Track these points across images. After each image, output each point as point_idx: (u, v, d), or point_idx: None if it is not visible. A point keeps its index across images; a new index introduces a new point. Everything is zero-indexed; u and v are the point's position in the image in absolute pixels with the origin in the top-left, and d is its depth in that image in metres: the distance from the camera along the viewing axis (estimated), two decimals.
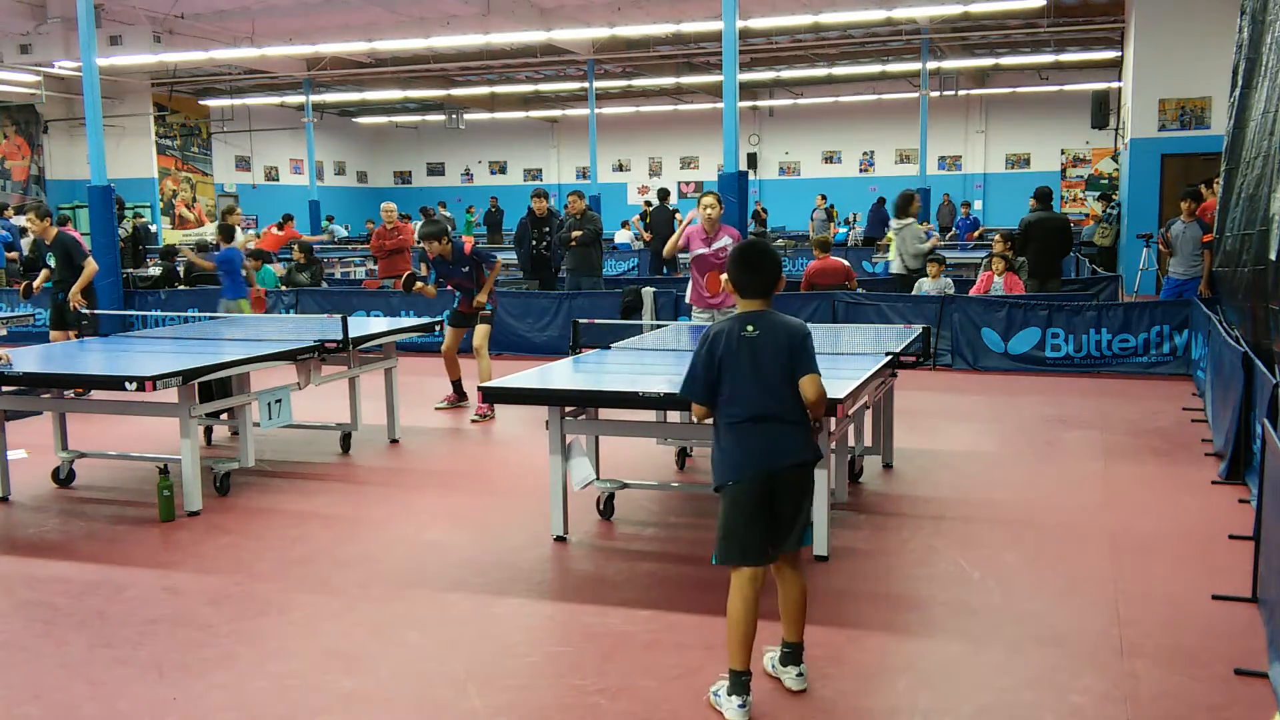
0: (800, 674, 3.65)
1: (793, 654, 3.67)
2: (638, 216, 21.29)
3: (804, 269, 12.38)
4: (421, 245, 8.86)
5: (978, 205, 25.64)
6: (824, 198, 25.02)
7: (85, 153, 13.61)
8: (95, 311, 9.80)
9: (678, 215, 17.12)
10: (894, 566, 4.95)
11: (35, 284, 10.12)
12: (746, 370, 3.54)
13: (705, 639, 4.06)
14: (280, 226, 19.80)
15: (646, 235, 18.51)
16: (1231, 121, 8.93)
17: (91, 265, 9.65)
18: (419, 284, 8.78)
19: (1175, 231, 10.94)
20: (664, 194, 17.07)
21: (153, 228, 24.04)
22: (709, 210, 7.55)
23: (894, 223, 12.07)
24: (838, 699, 3.59)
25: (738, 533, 3.50)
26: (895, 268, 11.98)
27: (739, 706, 3.42)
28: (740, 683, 3.45)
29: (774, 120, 31.01)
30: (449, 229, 9.07)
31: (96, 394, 6.23)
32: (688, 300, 7.96)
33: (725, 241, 7.55)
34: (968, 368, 10.61)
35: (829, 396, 3.83)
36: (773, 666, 3.74)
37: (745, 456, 3.53)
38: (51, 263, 9.76)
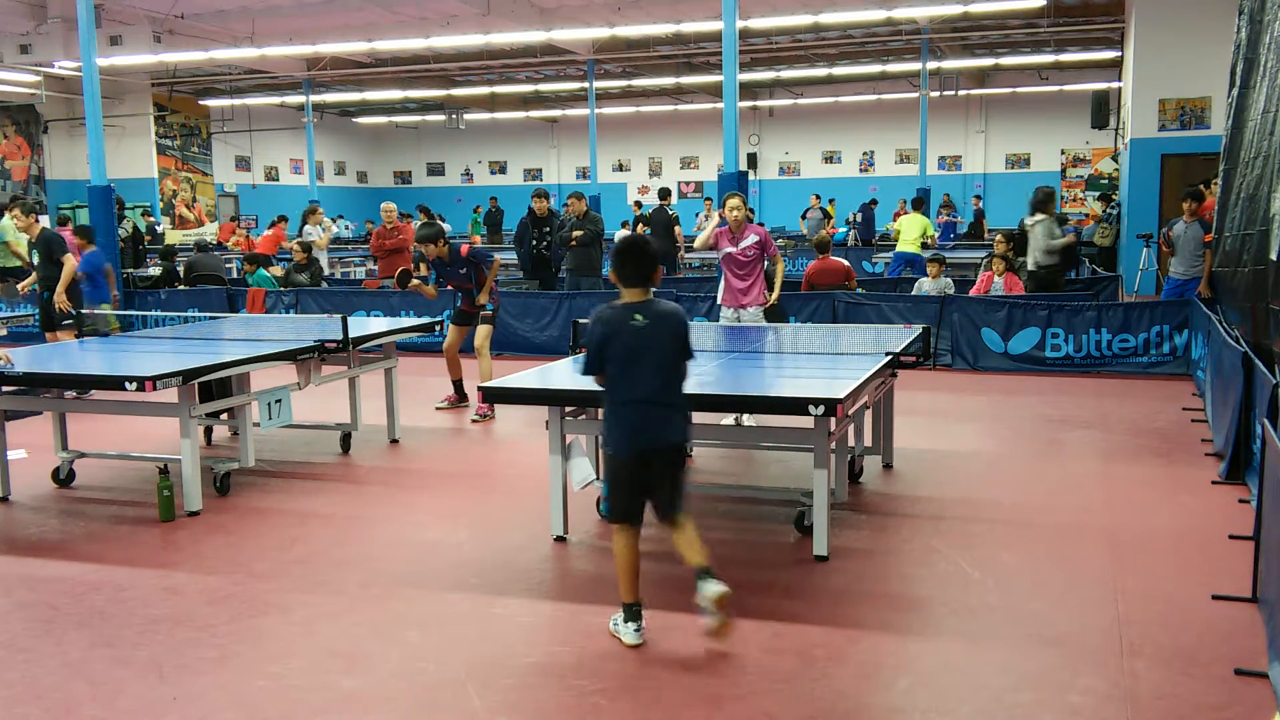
0: (714, 581, 3.92)
1: (705, 571, 3.97)
2: (640, 225, 21.19)
3: (804, 269, 12.38)
4: (418, 247, 8.85)
5: (977, 204, 25.54)
6: (819, 197, 24.99)
7: (85, 153, 13.62)
8: (82, 311, 9.71)
9: (677, 223, 17.19)
10: (894, 566, 4.95)
11: (22, 285, 10.10)
12: (635, 357, 4.00)
13: (705, 639, 4.06)
14: (272, 227, 19.72)
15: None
16: (1230, 122, 8.93)
17: (71, 263, 9.54)
18: (415, 282, 8.77)
19: (1177, 232, 10.94)
20: (664, 194, 17.10)
21: (159, 228, 24.03)
22: (735, 212, 7.80)
23: (1028, 219, 11.80)
24: (837, 699, 3.59)
25: (619, 497, 4.11)
26: (1029, 265, 11.51)
27: (635, 630, 4.06)
28: (633, 612, 4.08)
29: (774, 120, 31.01)
30: (445, 231, 9.06)
31: (96, 394, 6.24)
32: (719, 301, 8.09)
33: (751, 240, 7.79)
34: (968, 368, 10.61)
35: (829, 397, 4.41)
36: (704, 603, 3.92)
37: (626, 435, 4.03)
38: (35, 259, 9.69)
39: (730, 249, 7.82)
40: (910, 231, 15.40)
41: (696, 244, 8.79)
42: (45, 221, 12.50)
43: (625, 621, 4.08)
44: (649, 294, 4.08)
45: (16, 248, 13.41)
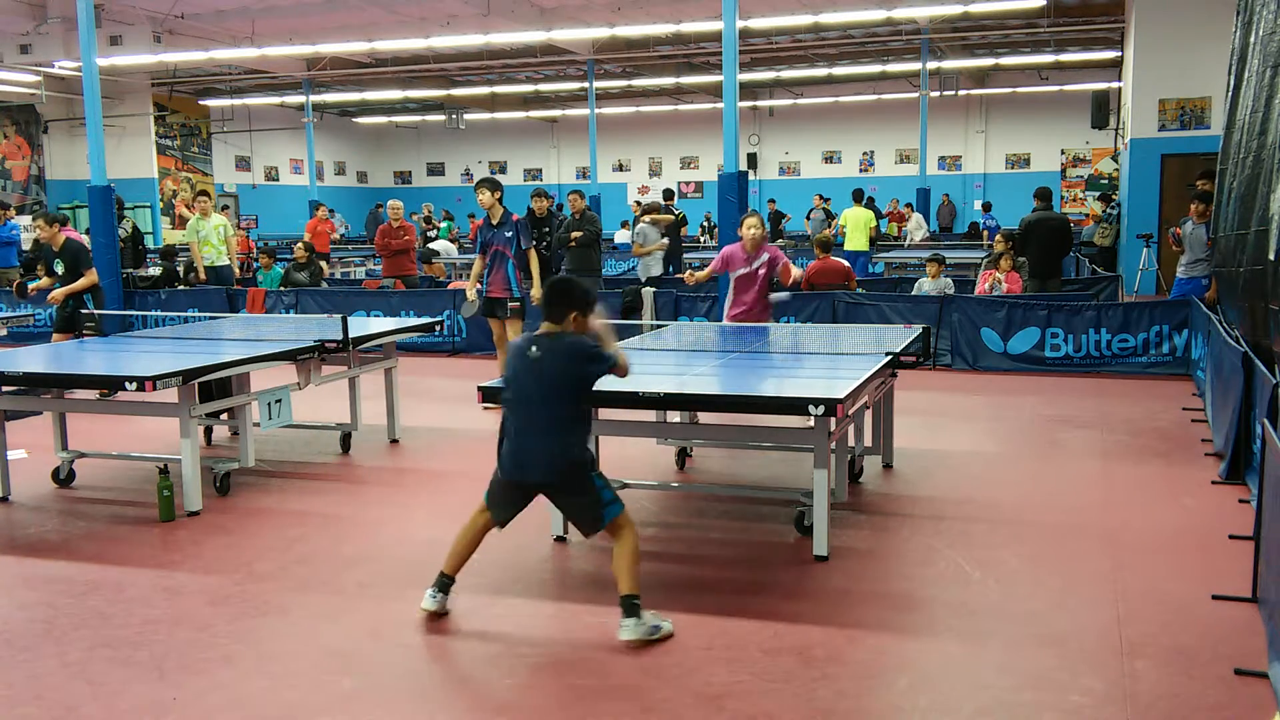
0: (625, 625, 4.01)
1: (629, 601, 4.05)
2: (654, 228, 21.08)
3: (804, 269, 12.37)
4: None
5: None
6: (821, 197, 24.99)
7: (85, 153, 13.63)
8: (99, 312, 9.70)
9: (684, 224, 17.23)
10: (894, 566, 4.95)
11: (31, 288, 10.06)
12: (523, 385, 4.18)
13: (705, 639, 4.06)
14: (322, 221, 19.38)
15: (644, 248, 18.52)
16: (1225, 121, 8.93)
17: (93, 275, 9.54)
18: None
19: (1186, 230, 10.95)
20: (669, 195, 17.11)
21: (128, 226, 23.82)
22: (752, 231, 7.71)
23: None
24: (838, 699, 3.59)
25: (493, 495, 4.34)
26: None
27: (432, 596, 4.30)
28: (444, 582, 4.32)
29: (774, 120, 31.00)
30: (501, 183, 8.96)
31: (97, 394, 6.23)
32: (725, 319, 7.98)
33: (765, 259, 7.69)
34: (967, 368, 10.61)
35: (829, 397, 4.51)
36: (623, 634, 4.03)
37: (504, 459, 4.25)
38: (59, 270, 9.68)
39: (743, 270, 7.74)
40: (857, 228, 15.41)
41: (702, 276, 8.14)
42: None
43: (434, 586, 4.32)
44: (557, 329, 4.19)
45: (204, 246, 13.39)
